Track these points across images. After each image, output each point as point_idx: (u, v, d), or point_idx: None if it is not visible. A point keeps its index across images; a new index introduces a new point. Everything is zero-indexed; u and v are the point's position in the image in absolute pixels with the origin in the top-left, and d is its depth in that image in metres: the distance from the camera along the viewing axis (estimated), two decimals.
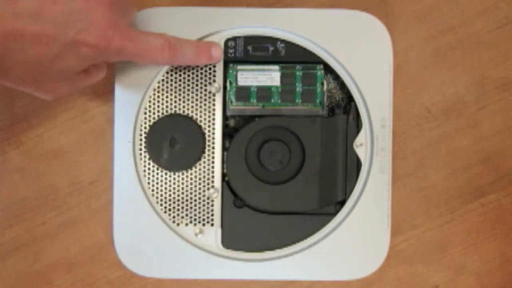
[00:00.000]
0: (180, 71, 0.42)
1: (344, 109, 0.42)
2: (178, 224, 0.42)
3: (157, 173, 0.42)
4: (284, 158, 0.42)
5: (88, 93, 0.44)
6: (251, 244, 0.42)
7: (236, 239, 0.42)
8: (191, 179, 0.42)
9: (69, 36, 0.33)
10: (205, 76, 0.42)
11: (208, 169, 0.42)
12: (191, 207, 0.42)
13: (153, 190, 0.42)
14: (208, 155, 0.42)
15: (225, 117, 0.42)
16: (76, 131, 0.44)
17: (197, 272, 0.42)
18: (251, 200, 0.42)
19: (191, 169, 0.42)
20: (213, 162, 0.42)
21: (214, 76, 0.42)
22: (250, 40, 0.42)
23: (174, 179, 0.42)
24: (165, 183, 0.42)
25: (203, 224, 0.42)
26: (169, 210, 0.42)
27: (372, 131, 0.42)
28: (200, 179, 0.42)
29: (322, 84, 0.42)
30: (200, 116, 0.42)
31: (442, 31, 0.45)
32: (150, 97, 0.41)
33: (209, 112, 0.42)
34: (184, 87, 0.42)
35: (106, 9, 0.34)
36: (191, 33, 0.41)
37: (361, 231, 0.42)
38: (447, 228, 0.45)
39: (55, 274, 0.44)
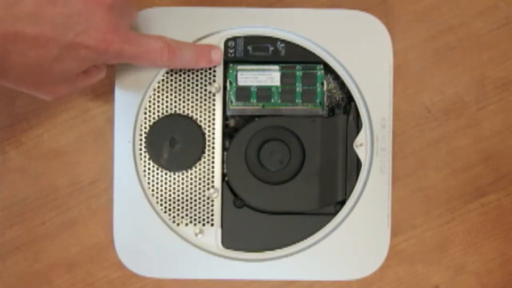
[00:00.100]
0: (180, 71, 0.42)
1: (344, 109, 0.42)
2: (178, 224, 0.42)
3: (157, 173, 0.42)
4: (284, 158, 0.42)
5: (88, 93, 0.44)
6: (251, 244, 0.42)
7: (236, 239, 0.42)
8: (191, 179, 0.42)
9: (68, 38, 0.33)
10: (205, 76, 0.42)
11: (208, 169, 0.42)
12: (191, 207, 0.42)
13: (153, 190, 0.42)
14: (208, 155, 0.42)
15: (225, 117, 0.42)
16: (76, 131, 0.44)
17: (197, 272, 0.42)
18: (251, 200, 0.42)
19: (191, 169, 0.42)
20: (213, 162, 0.42)
21: (214, 76, 0.42)
22: (250, 40, 0.42)
23: (174, 179, 0.42)
24: (165, 183, 0.42)
25: (203, 224, 0.42)
26: (169, 210, 0.42)
27: (372, 131, 0.42)
28: (200, 179, 0.42)
29: (322, 84, 0.42)
30: (200, 116, 0.42)
31: (442, 31, 0.45)
32: (150, 97, 0.41)
33: (209, 112, 0.42)
34: (184, 87, 0.42)
35: (105, 12, 0.34)
36: (191, 33, 0.41)
37: (361, 231, 0.42)
38: (447, 228, 0.45)
39: (55, 274, 0.44)
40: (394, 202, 0.44)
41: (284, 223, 0.42)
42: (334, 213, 0.42)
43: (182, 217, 0.42)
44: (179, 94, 0.42)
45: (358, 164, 0.42)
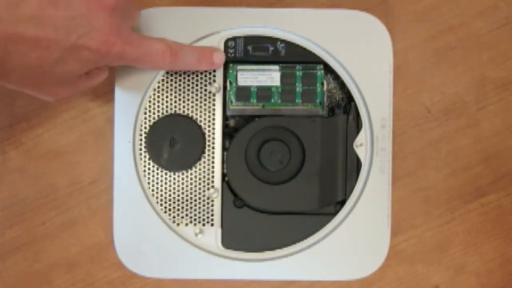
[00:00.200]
0: (180, 71, 0.42)
1: (344, 109, 0.42)
2: (178, 224, 0.42)
3: (157, 173, 0.42)
4: (284, 158, 0.42)
5: (88, 93, 0.44)
6: (251, 244, 0.42)
7: (236, 239, 0.42)
8: (191, 179, 0.42)
9: (70, 40, 0.33)
10: (205, 76, 0.42)
11: (208, 169, 0.42)
12: (191, 207, 0.42)
13: (153, 190, 0.42)
14: (208, 155, 0.42)
15: (225, 117, 0.42)
16: (76, 131, 0.44)
17: (197, 272, 0.42)
18: (251, 200, 0.42)
19: (191, 169, 0.42)
20: (213, 162, 0.42)
21: (214, 76, 0.42)
22: (250, 40, 0.42)
23: (174, 179, 0.42)
24: (165, 183, 0.42)
25: (203, 224, 0.42)
26: (169, 210, 0.42)
27: (372, 131, 0.42)
28: (200, 179, 0.42)
29: (322, 84, 0.42)
30: (200, 116, 0.42)
31: (442, 31, 0.45)
32: (150, 97, 0.41)
33: (209, 112, 0.42)
34: (184, 87, 0.42)
35: (108, 14, 0.34)
36: (191, 33, 0.41)
37: (361, 231, 0.42)
38: (447, 228, 0.45)
39: (55, 274, 0.44)
40: (394, 202, 0.44)
41: (284, 223, 0.42)
42: (334, 213, 0.42)
43: (182, 217, 0.42)
44: (179, 94, 0.42)
45: (358, 164, 0.42)
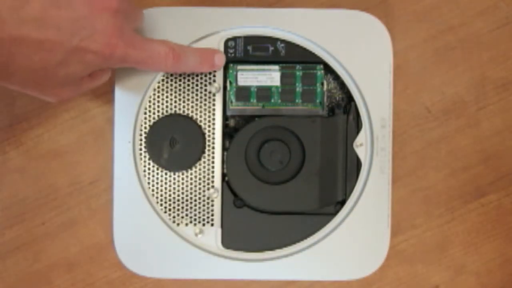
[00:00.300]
0: None
1: (344, 109, 0.42)
2: (178, 224, 0.42)
3: (157, 173, 0.42)
4: (284, 158, 0.42)
5: (88, 93, 0.44)
6: (251, 244, 0.42)
7: (236, 239, 0.42)
8: (191, 179, 0.42)
9: (73, 42, 0.33)
10: (205, 76, 0.42)
11: (208, 169, 0.42)
12: (191, 207, 0.42)
13: (153, 190, 0.42)
14: (208, 155, 0.42)
15: (225, 117, 0.42)
16: (76, 131, 0.44)
17: (197, 272, 0.42)
18: (251, 200, 0.42)
19: (191, 169, 0.42)
20: (213, 162, 0.42)
21: (214, 76, 0.42)
22: (250, 40, 0.42)
23: (174, 179, 0.42)
24: (165, 183, 0.42)
25: (203, 224, 0.42)
26: (169, 210, 0.42)
27: (372, 131, 0.42)
28: (200, 179, 0.42)
29: (322, 84, 0.42)
30: (200, 116, 0.42)
31: (442, 31, 0.45)
32: (150, 97, 0.41)
33: (209, 112, 0.42)
34: (184, 87, 0.42)
35: (111, 16, 0.34)
36: (191, 33, 0.41)
37: (361, 231, 0.42)
38: (447, 228, 0.45)
39: (55, 274, 0.44)
40: (394, 202, 0.44)
41: (284, 223, 0.42)
42: (334, 213, 0.42)
43: (182, 217, 0.42)
44: (179, 94, 0.42)
45: (358, 164, 0.42)
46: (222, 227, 0.42)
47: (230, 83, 0.42)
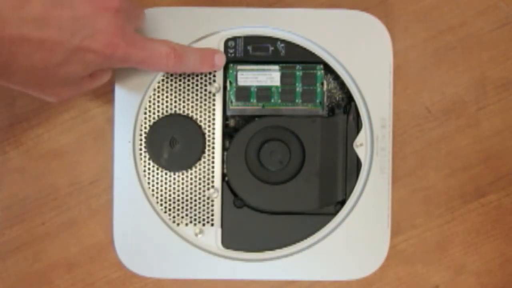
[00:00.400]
0: None
1: (344, 109, 0.42)
2: (178, 224, 0.42)
3: (157, 173, 0.42)
4: (284, 158, 0.42)
5: (88, 93, 0.44)
6: (251, 244, 0.42)
7: (236, 239, 0.42)
8: (191, 179, 0.42)
9: (74, 42, 0.33)
10: (205, 76, 0.42)
11: (208, 169, 0.42)
12: (191, 207, 0.42)
13: (153, 190, 0.42)
14: (208, 155, 0.42)
15: (225, 117, 0.42)
16: (76, 131, 0.44)
17: (197, 272, 0.42)
18: (251, 200, 0.42)
19: (191, 169, 0.42)
20: (213, 162, 0.42)
21: (214, 76, 0.42)
22: (250, 40, 0.42)
23: (174, 179, 0.42)
24: (165, 183, 0.42)
25: (203, 224, 0.42)
26: (169, 210, 0.42)
27: (372, 131, 0.42)
28: (200, 179, 0.42)
29: (322, 84, 0.42)
30: (200, 116, 0.42)
31: (442, 31, 0.45)
32: (150, 97, 0.41)
33: (209, 112, 0.42)
34: (184, 87, 0.42)
35: (113, 15, 0.34)
36: (191, 33, 0.41)
37: (361, 231, 0.42)
38: (447, 228, 0.45)
39: (55, 274, 0.44)
40: (394, 202, 0.44)
41: (284, 223, 0.42)
42: (334, 213, 0.42)
43: (182, 217, 0.42)
44: (179, 94, 0.42)
45: (358, 164, 0.42)
46: (222, 227, 0.42)
47: (230, 83, 0.42)
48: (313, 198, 0.42)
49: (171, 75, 0.41)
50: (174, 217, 0.42)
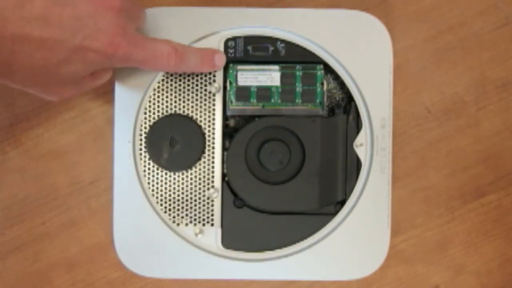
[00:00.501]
0: None
1: (344, 109, 0.42)
2: (178, 224, 0.42)
3: (157, 173, 0.42)
4: (284, 158, 0.42)
5: (88, 93, 0.44)
6: (251, 244, 0.42)
7: (236, 239, 0.42)
8: (191, 179, 0.42)
9: (75, 41, 0.33)
10: (205, 76, 0.42)
11: (208, 169, 0.42)
12: (191, 207, 0.42)
13: (153, 190, 0.42)
14: (208, 155, 0.42)
15: (225, 117, 0.42)
16: (76, 131, 0.44)
17: (197, 272, 0.42)
18: (251, 200, 0.42)
19: (191, 169, 0.42)
20: (213, 162, 0.42)
21: (214, 76, 0.42)
22: (250, 40, 0.42)
23: (174, 179, 0.42)
24: (165, 183, 0.42)
25: (203, 224, 0.42)
26: (169, 210, 0.42)
27: (372, 131, 0.42)
28: (200, 179, 0.42)
29: (322, 84, 0.42)
30: (200, 116, 0.42)
31: (442, 31, 0.45)
32: (150, 97, 0.42)
33: (209, 112, 0.42)
34: (184, 87, 0.42)
35: (115, 15, 0.34)
36: (191, 33, 0.41)
37: (361, 231, 0.42)
38: (447, 228, 0.45)
39: (55, 274, 0.44)
40: (394, 202, 0.44)
41: (284, 223, 0.42)
42: (334, 213, 0.42)
43: (182, 217, 0.42)
44: (179, 94, 0.42)
45: (358, 164, 0.42)
46: (222, 227, 0.42)
47: (230, 83, 0.42)
48: (313, 198, 0.42)
49: (171, 75, 0.41)
50: (174, 217, 0.42)
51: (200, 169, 0.42)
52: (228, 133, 0.42)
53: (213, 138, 0.42)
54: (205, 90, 0.42)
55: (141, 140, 0.42)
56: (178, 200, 0.42)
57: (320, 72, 0.42)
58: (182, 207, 0.42)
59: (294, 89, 0.42)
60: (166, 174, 0.42)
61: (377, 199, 0.42)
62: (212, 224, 0.42)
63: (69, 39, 0.33)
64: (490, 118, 0.45)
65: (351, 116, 0.42)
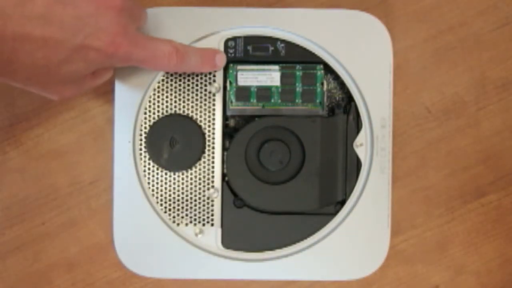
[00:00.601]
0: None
1: (344, 109, 0.42)
2: (178, 224, 0.42)
3: (157, 173, 0.42)
4: (284, 158, 0.42)
5: (88, 93, 0.44)
6: (251, 244, 0.42)
7: (236, 239, 0.42)
8: (191, 179, 0.42)
9: (76, 40, 0.33)
10: (205, 76, 0.42)
11: (208, 169, 0.42)
12: (191, 207, 0.42)
13: (153, 190, 0.42)
14: (208, 155, 0.42)
15: (225, 117, 0.42)
16: (76, 131, 0.44)
17: (197, 272, 0.42)
18: (251, 200, 0.42)
19: (191, 169, 0.42)
20: (213, 162, 0.42)
21: (214, 76, 0.42)
22: (250, 40, 0.42)
23: (174, 179, 0.42)
24: (165, 183, 0.42)
25: (203, 224, 0.42)
26: (169, 210, 0.42)
27: (372, 131, 0.42)
28: (200, 179, 0.42)
29: (322, 84, 0.42)
30: (200, 116, 0.42)
31: (442, 31, 0.45)
32: (150, 97, 0.42)
33: (209, 112, 0.42)
34: (184, 87, 0.42)
35: (116, 14, 0.34)
36: (191, 33, 0.41)
37: (361, 231, 0.42)
38: (447, 228, 0.45)
39: (55, 274, 0.44)
40: (394, 202, 0.44)
41: (284, 223, 0.42)
42: (334, 213, 0.42)
43: (182, 217, 0.42)
44: (179, 94, 0.42)
45: (358, 164, 0.42)
46: (222, 227, 0.42)
47: (230, 83, 0.42)
48: (313, 198, 0.42)
49: (171, 75, 0.41)
50: (174, 217, 0.42)
51: (200, 169, 0.42)
52: (228, 133, 0.42)
53: (213, 138, 0.42)
54: (205, 90, 0.42)
55: (141, 140, 0.42)
56: (178, 200, 0.42)
57: (320, 72, 0.42)
58: (182, 207, 0.42)
59: (294, 89, 0.42)
60: (166, 174, 0.42)
61: (377, 199, 0.42)
62: (212, 224, 0.42)
63: (70, 38, 0.33)
64: (490, 118, 0.45)
65: (351, 116, 0.42)
